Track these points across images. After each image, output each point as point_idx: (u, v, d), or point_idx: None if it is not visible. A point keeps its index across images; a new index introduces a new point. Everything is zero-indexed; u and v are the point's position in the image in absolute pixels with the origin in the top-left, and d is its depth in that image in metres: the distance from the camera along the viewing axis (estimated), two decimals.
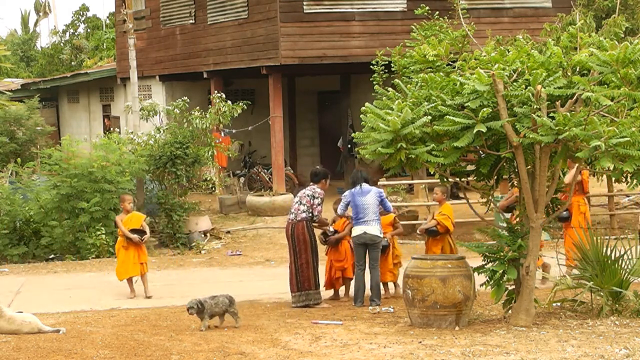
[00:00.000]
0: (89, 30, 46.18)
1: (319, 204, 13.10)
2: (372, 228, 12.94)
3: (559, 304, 11.84)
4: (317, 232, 13.46)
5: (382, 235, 13.10)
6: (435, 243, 13.61)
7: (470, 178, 12.15)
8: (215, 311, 11.44)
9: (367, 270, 13.05)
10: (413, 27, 17.63)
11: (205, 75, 25.15)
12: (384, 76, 18.04)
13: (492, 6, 23.59)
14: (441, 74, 11.15)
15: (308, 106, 29.14)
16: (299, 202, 13.17)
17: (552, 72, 10.46)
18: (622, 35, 17.11)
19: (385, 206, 13.21)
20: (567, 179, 12.87)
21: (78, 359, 9.78)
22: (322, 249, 13.52)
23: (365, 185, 13.07)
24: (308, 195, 13.11)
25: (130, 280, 14.59)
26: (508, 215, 13.10)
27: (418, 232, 14.44)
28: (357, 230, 12.98)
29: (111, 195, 18.90)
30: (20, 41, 53.45)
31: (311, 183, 13.41)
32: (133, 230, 14.50)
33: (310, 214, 13.07)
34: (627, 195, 21.52)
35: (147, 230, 14.67)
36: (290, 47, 22.35)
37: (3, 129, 25.88)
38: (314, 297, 13.06)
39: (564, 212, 13.41)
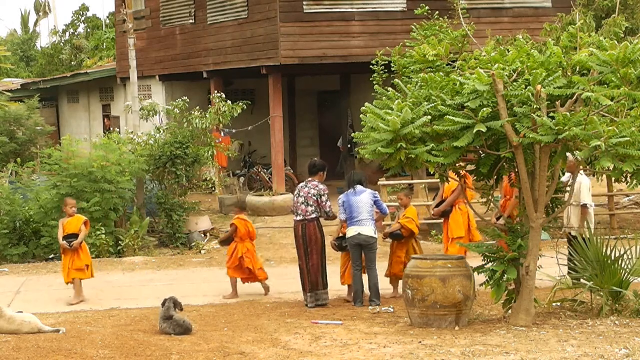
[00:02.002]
0: (89, 30, 46.22)
1: (327, 201, 13.10)
2: (367, 229, 12.91)
3: (559, 304, 11.84)
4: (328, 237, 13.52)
5: (376, 236, 13.08)
6: (401, 247, 13.57)
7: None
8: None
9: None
10: (413, 27, 17.66)
11: (205, 75, 25.15)
12: (384, 76, 18.06)
13: (492, 6, 23.59)
14: (441, 74, 11.15)
15: (308, 106, 29.13)
16: (305, 203, 13.08)
17: (552, 72, 10.46)
18: (622, 35, 17.11)
19: (381, 208, 13.18)
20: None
21: (78, 359, 9.78)
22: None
23: (359, 187, 13.06)
24: (314, 196, 13.07)
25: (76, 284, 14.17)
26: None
27: (382, 236, 14.37)
28: (351, 232, 12.97)
29: (111, 195, 18.90)
30: (20, 41, 53.51)
31: (309, 176, 13.40)
32: (69, 235, 14.20)
33: (322, 214, 13.09)
34: (627, 195, 21.52)
35: (82, 234, 14.14)
36: (290, 47, 22.35)
37: (3, 129, 25.87)
38: (322, 297, 13.10)
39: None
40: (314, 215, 13.04)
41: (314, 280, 13.04)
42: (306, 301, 13.06)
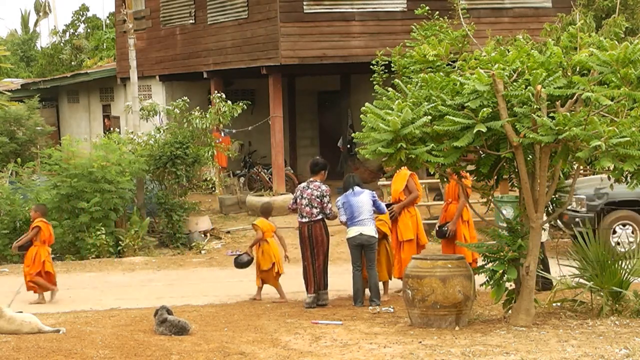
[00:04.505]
0: (89, 30, 46.19)
1: (328, 202, 13.15)
2: (368, 229, 12.93)
3: (559, 304, 11.84)
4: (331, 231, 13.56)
5: (377, 236, 13.09)
6: None
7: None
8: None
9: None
10: (413, 27, 17.62)
11: (205, 75, 25.15)
12: (384, 76, 18.03)
13: (492, 6, 23.59)
14: (441, 74, 11.15)
15: (308, 106, 29.13)
16: (309, 205, 13.07)
17: (552, 72, 10.46)
18: (622, 35, 17.10)
19: (379, 208, 13.20)
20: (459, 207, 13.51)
21: (78, 359, 9.78)
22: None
23: (357, 188, 13.10)
24: (318, 197, 13.08)
25: None
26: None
27: None
28: (352, 232, 12.97)
29: (111, 195, 18.91)
30: (20, 41, 53.45)
31: (311, 175, 13.42)
32: None
33: (323, 214, 13.10)
34: None
35: None
36: (290, 47, 22.35)
37: (3, 129, 25.87)
38: (322, 297, 13.12)
39: (444, 228, 13.59)
40: (319, 217, 13.07)
41: (319, 280, 13.06)
42: (309, 301, 13.03)
